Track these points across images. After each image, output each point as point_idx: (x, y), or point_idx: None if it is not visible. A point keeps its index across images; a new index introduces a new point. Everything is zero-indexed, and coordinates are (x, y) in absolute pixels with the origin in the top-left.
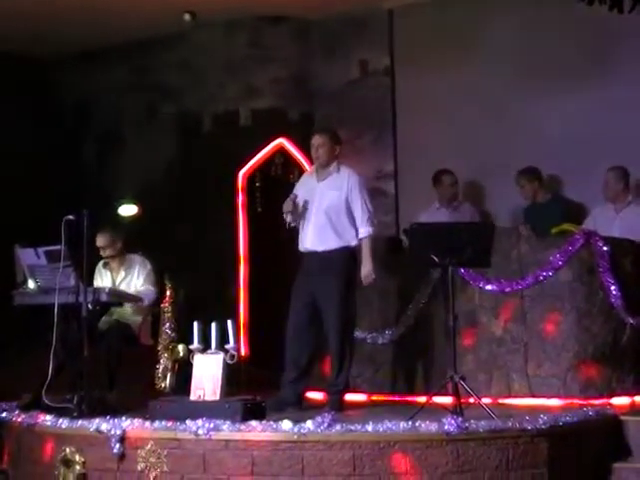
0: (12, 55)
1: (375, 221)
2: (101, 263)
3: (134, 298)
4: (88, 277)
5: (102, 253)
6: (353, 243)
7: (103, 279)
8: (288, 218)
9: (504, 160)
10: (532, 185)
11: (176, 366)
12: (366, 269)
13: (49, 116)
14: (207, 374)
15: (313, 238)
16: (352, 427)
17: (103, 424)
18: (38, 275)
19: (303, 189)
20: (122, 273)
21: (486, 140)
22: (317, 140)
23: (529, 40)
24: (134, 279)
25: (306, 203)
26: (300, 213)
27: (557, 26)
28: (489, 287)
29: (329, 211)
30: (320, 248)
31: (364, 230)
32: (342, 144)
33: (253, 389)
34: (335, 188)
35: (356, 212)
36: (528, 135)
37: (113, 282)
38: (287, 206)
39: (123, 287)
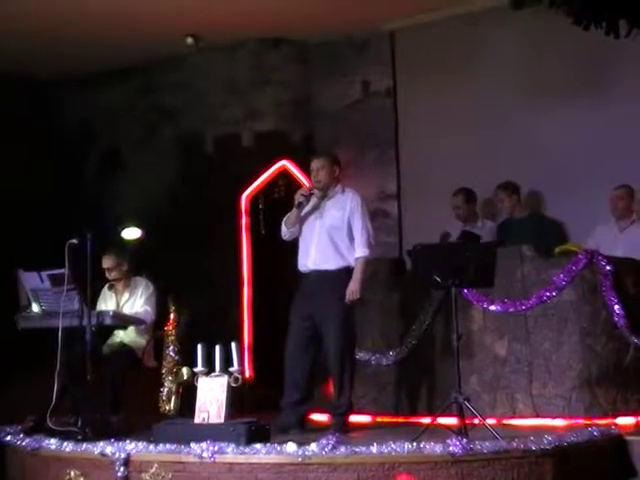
0: (13, 76)
1: (373, 243)
2: (107, 285)
3: (137, 321)
4: (92, 300)
5: (108, 275)
6: (354, 264)
7: (107, 301)
8: (300, 198)
9: (507, 178)
10: (511, 200)
11: (180, 389)
12: (353, 286)
13: (50, 138)
14: (211, 397)
15: (315, 257)
16: (357, 449)
17: (107, 447)
18: (42, 299)
19: (308, 207)
20: (126, 295)
21: (489, 159)
22: (316, 164)
23: (529, 59)
24: (137, 301)
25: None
26: (302, 216)
27: (557, 43)
28: (493, 307)
29: (331, 231)
30: (322, 267)
31: (360, 250)
32: (341, 165)
33: (258, 411)
34: (339, 208)
35: (355, 233)
36: (532, 153)
37: (117, 304)
38: (304, 190)
39: (127, 309)
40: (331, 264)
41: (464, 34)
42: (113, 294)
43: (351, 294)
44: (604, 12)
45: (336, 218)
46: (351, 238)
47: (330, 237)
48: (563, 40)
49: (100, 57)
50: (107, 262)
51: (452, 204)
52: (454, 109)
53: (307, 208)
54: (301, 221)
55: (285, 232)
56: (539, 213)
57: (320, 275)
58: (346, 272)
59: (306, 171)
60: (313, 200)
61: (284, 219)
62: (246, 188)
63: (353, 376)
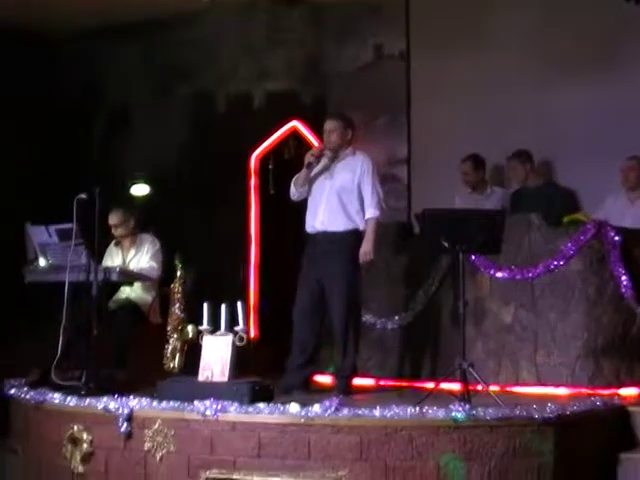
0: (23, 32)
1: (384, 206)
2: (113, 242)
3: (143, 277)
4: (99, 256)
5: (114, 232)
6: (362, 227)
7: (114, 258)
8: (310, 159)
9: (518, 147)
10: (524, 167)
11: (185, 347)
12: (366, 247)
13: (61, 94)
14: (216, 355)
15: (323, 218)
16: (359, 412)
17: (111, 403)
18: (49, 253)
19: (318, 168)
20: (132, 252)
21: (501, 126)
22: (329, 125)
23: (545, 26)
24: (143, 257)
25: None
26: (311, 177)
27: (574, 12)
28: (500, 274)
29: (341, 192)
30: (330, 228)
31: (371, 212)
32: (355, 129)
33: (262, 371)
34: (349, 170)
35: (366, 195)
36: (544, 122)
37: (124, 261)
38: (315, 150)
39: (133, 265)
40: (339, 226)
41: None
42: (119, 251)
43: (364, 255)
44: None
45: (346, 180)
46: (360, 201)
47: (339, 199)
48: (578, 7)
49: (112, 12)
50: (113, 219)
51: (461, 170)
52: (468, 74)
53: (317, 169)
54: (311, 182)
55: (294, 192)
56: (553, 182)
57: (327, 237)
58: (354, 234)
59: (317, 132)
60: (324, 161)
61: (293, 179)
62: (256, 148)
63: (358, 339)
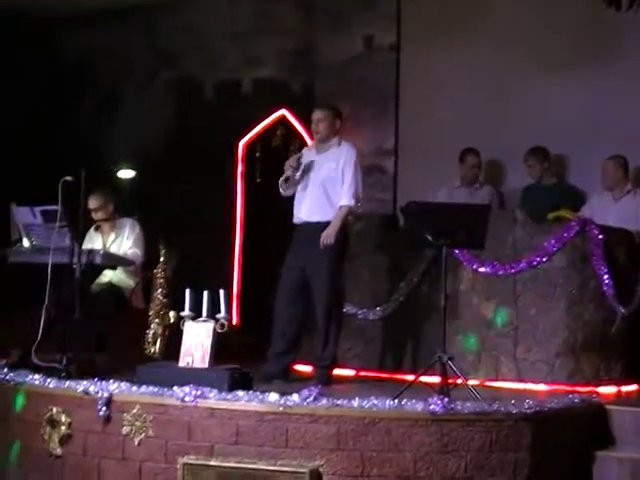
0: (14, 13)
1: (361, 197)
2: (93, 227)
3: (126, 261)
4: (82, 239)
5: (94, 215)
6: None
7: (94, 242)
8: (288, 172)
9: (506, 142)
10: (541, 165)
11: (166, 332)
12: (329, 230)
13: (49, 76)
14: (197, 342)
15: (309, 209)
16: (338, 402)
17: (90, 386)
18: (33, 234)
19: (304, 162)
20: (112, 236)
21: (489, 122)
22: (317, 115)
23: (536, 21)
24: (124, 241)
25: (304, 173)
26: (296, 180)
27: (565, 8)
28: (483, 269)
29: (325, 183)
30: (315, 219)
31: (345, 200)
32: (343, 119)
33: (242, 359)
34: (333, 160)
35: (345, 183)
36: (532, 117)
37: (104, 245)
38: (292, 161)
39: (113, 250)
40: (324, 216)
41: None
42: (99, 235)
43: (325, 238)
44: None
45: (331, 170)
46: None
47: (324, 189)
48: (572, 2)
49: None
50: (93, 202)
51: (468, 163)
52: (457, 68)
53: (304, 162)
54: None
55: (282, 192)
56: (566, 182)
57: (312, 227)
58: None
59: (305, 121)
60: (309, 156)
61: (279, 181)
62: (244, 135)
63: (340, 330)
